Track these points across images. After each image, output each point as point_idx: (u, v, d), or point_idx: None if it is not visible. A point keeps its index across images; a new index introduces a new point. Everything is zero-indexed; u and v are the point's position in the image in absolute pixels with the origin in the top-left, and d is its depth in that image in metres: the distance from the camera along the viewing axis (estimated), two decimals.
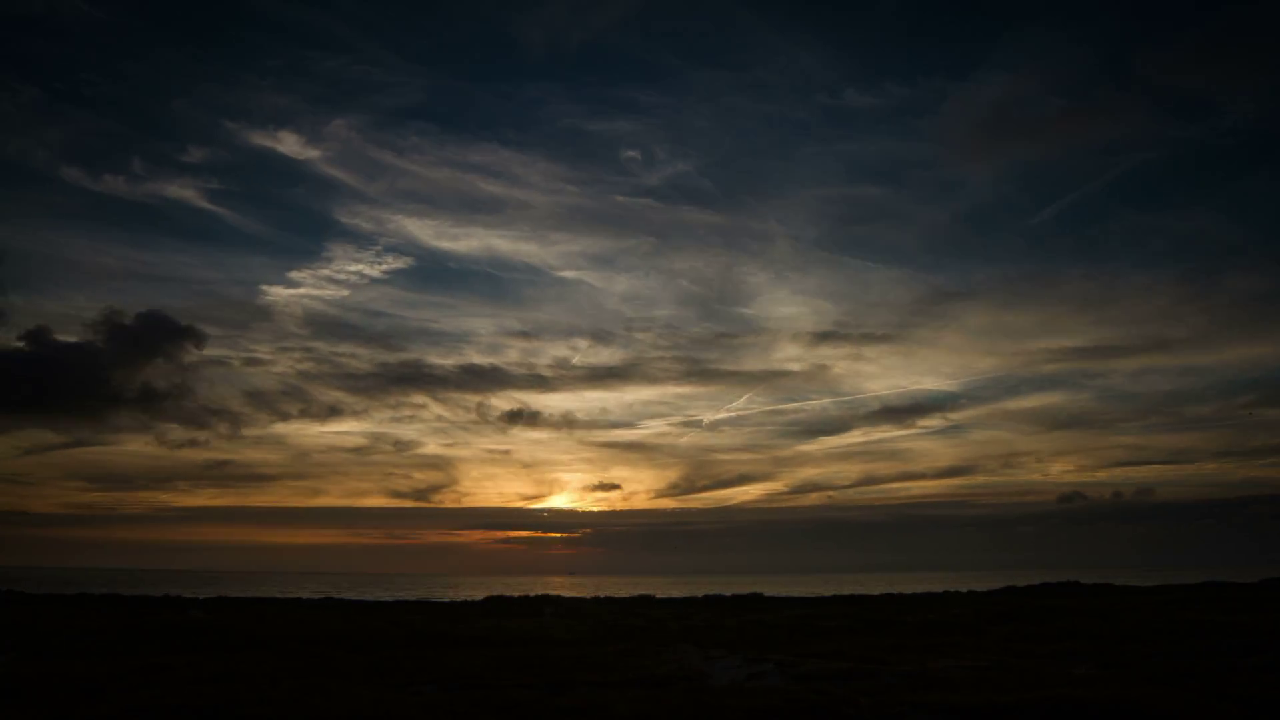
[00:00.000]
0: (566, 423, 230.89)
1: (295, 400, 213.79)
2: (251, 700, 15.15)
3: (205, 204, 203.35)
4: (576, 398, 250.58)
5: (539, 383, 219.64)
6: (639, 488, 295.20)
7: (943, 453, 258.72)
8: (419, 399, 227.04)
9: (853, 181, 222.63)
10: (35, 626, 28.28)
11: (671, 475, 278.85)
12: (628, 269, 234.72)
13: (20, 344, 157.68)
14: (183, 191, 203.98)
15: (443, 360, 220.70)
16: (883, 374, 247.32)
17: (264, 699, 15.33)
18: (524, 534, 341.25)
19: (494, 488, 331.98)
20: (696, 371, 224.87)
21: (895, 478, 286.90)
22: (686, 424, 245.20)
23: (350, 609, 43.86)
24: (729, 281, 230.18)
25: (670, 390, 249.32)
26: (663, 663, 21.87)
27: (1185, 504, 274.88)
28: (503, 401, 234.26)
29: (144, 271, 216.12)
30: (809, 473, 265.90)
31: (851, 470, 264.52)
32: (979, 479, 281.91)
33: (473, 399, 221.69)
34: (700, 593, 62.25)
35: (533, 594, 55.47)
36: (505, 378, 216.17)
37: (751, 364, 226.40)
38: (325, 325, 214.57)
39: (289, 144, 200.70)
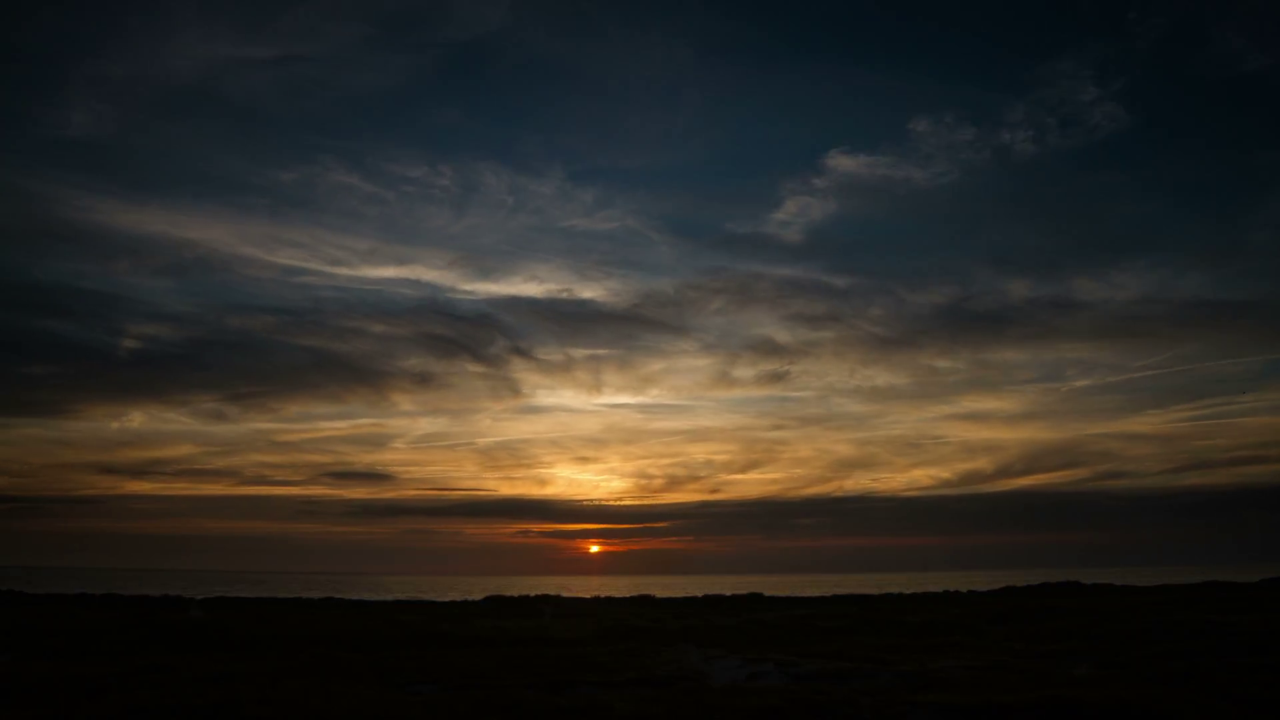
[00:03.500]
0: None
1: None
2: (252, 700, 15.13)
3: None
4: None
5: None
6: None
7: None
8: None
9: None
10: (35, 626, 28.27)
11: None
12: None
13: None
14: None
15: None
16: None
17: (264, 699, 15.32)
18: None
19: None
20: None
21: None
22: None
23: (350, 609, 43.87)
24: None
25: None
26: (663, 663, 21.87)
27: None
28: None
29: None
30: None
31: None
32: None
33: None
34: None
35: (533, 594, 55.50)
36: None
37: None
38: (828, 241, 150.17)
39: None
